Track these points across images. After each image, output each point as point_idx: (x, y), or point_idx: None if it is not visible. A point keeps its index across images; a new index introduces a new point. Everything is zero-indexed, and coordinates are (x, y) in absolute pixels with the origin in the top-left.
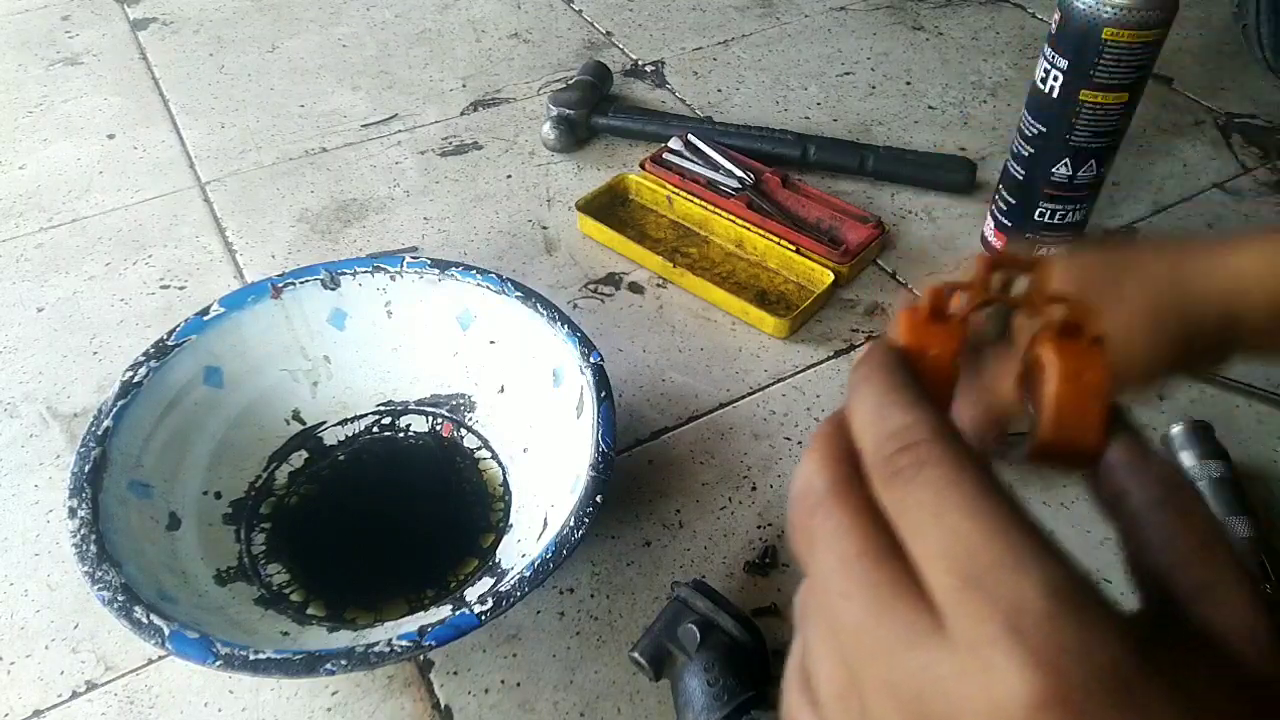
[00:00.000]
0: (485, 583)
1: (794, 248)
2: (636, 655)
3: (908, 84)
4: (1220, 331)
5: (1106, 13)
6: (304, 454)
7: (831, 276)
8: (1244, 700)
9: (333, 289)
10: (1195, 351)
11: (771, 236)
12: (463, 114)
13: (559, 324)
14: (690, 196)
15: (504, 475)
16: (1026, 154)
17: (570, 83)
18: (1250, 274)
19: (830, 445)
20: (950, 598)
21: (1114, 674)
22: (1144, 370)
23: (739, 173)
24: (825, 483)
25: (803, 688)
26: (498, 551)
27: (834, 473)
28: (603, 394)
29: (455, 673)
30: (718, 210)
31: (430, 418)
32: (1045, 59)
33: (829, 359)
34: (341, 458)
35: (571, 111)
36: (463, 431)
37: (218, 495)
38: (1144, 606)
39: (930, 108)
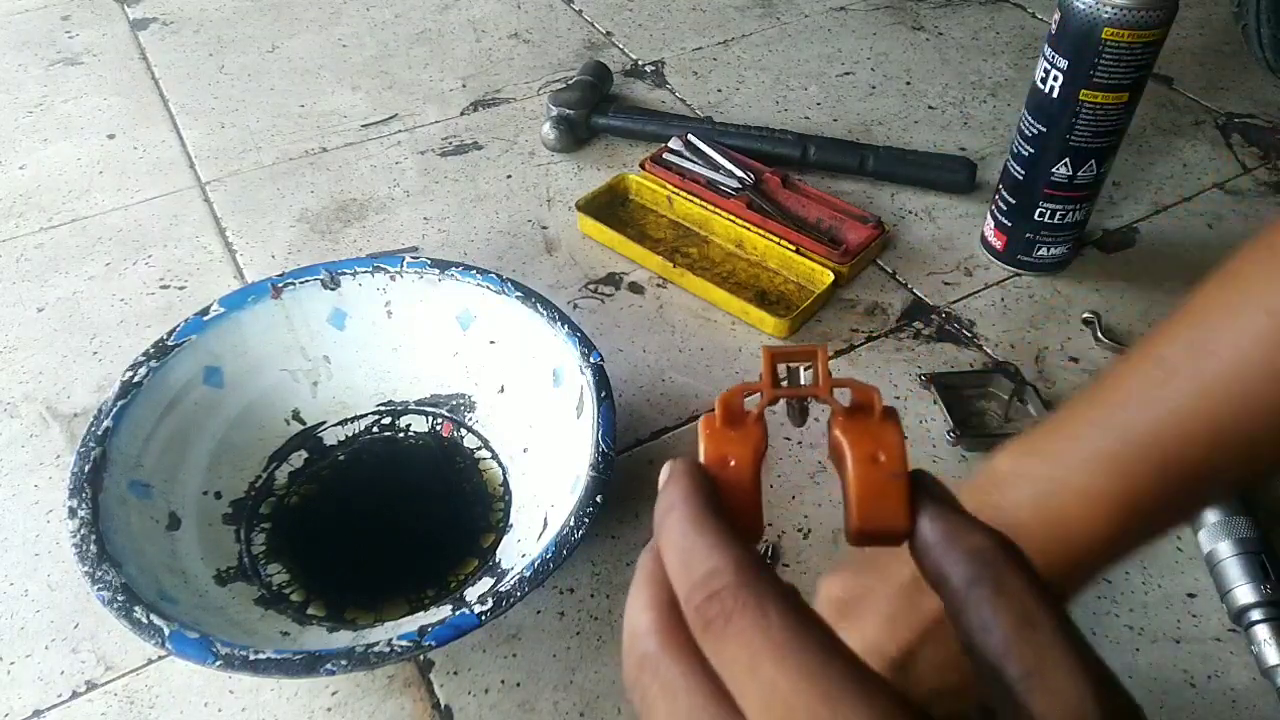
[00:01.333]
0: (485, 583)
1: (794, 248)
2: None
3: (908, 84)
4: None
5: (1106, 13)
6: (304, 454)
7: (831, 276)
8: None
9: (333, 289)
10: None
11: (771, 236)
12: (463, 114)
13: (559, 324)
14: (690, 196)
15: (504, 475)
16: (1026, 154)
17: (570, 83)
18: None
19: (652, 588)
20: None
21: None
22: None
23: (739, 173)
24: (653, 636)
25: None
26: (498, 551)
27: (659, 622)
28: (603, 394)
29: (455, 673)
30: (718, 210)
31: (430, 418)
32: (1045, 59)
33: (829, 359)
34: (341, 458)
35: (571, 111)
36: (463, 431)
37: (218, 495)
38: (985, 697)
39: (930, 108)
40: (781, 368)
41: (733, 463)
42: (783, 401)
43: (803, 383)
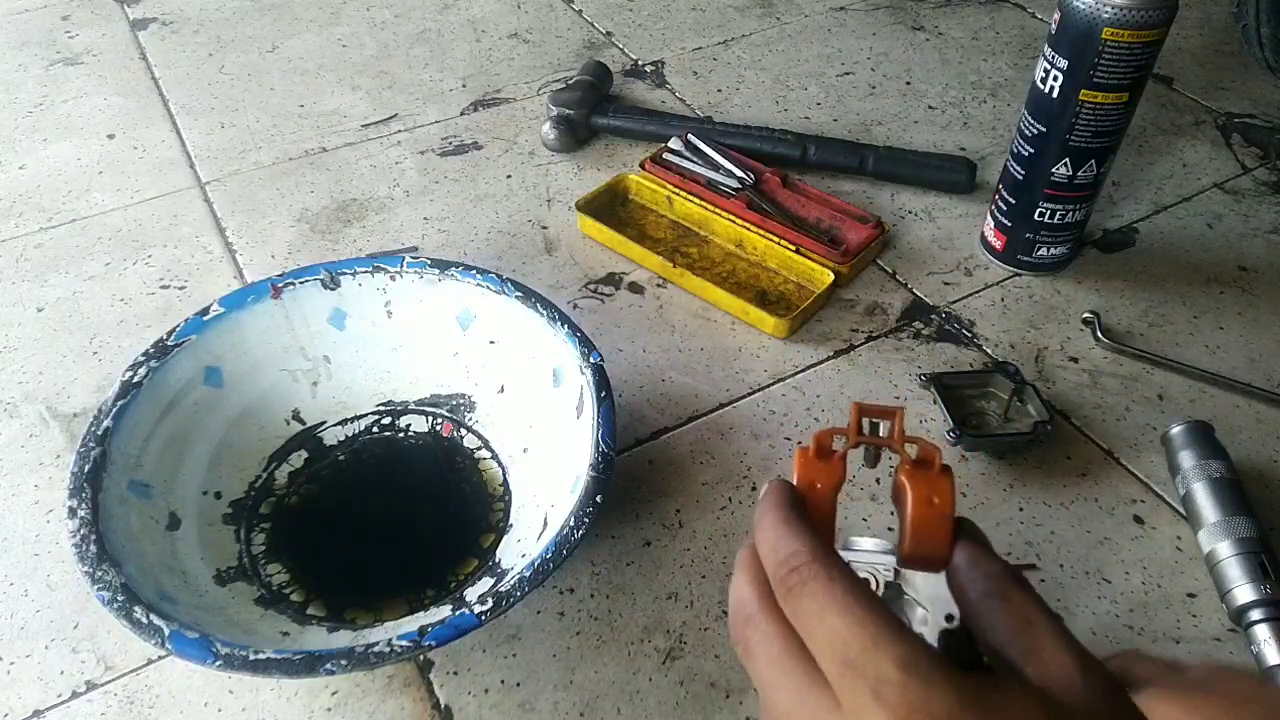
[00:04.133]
0: (485, 583)
1: (794, 248)
2: None
3: (908, 84)
4: None
5: (1106, 13)
6: (304, 454)
7: (831, 276)
8: None
9: (333, 289)
10: None
11: (771, 236)
12: (463, 114)
13: (559, 324)
14: (690, 196)
15: (504, 475)
16: (1026, 154)
17: (570, 83)
18: None
19: (752, 570)
20: (836, 679)
21: (948, 717)
22: None
23: (739, 173)
24: (754, 602)
25: None
26: (498, 551)
27: (758, 592)
28: (603, 394)
29: (455, 673)
30: (718, 210)
31: (430, 418)
32: (1045, 59)
33: (829, 359)
34: (341, 458)
35: (571, 111)
36: (463, 431)
37: (218, 495)
38: (993, 670)
39: (930, 108)
40: (865, 421)
41: (818, 486)
42: (862, 446)
43: (881, 434)
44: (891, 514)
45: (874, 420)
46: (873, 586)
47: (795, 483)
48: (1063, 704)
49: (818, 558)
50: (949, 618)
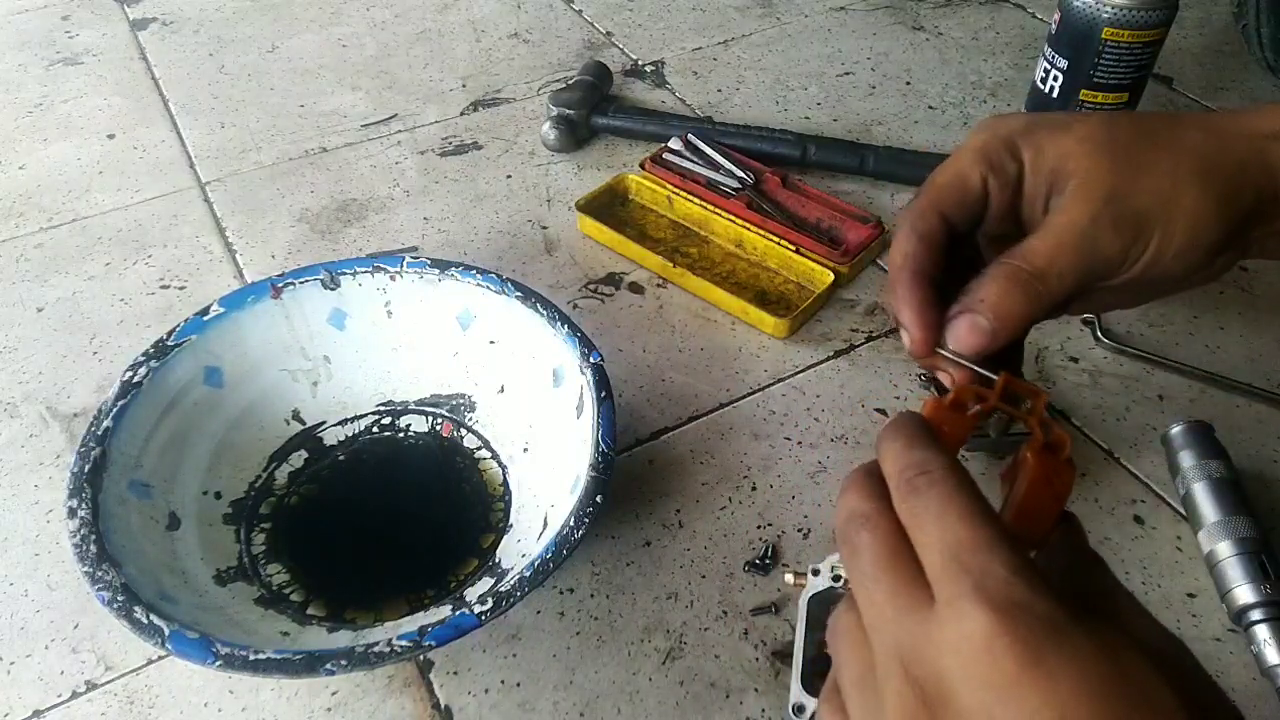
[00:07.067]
0: (485, 583)
1: (794, 248)
2: None
3: (908, 84)
4: (1261, 190)
5: (1106, 13)
6: (304, 454)
7: (831, 276)
8: (1135, 649)
9: (333, 289)
10: (1239, 216)
11: (771, 236)
12: (463, 114)
13: (559, 324)
14: (690, 196)
15: (504, 475)
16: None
17: (570, 83)
18: None
19: (865, 481)
20: (938, 573)
21: (1050, 620)
22: (1195, 241)
23: (739, 173)
24: (868, 505)
25: (831, 696)
26: (498, 551)
27: (872, 498)
28: (603, 394)
29: (455, 673)
30: (718, 210)
31: (430, 418)
32: (1045, 59)
33: (829, 359)
34: (341, 458)
35: (571, 111)
36: (463, 431)
37: (218, 495)
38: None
39: (930, 108)
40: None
41: (945, 430)
42: (995, 414)
43: (1024, 408)
44: None
45: (1018, 395)
46: None
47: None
48: (1149, 639)
49: (950, 467)
50: None
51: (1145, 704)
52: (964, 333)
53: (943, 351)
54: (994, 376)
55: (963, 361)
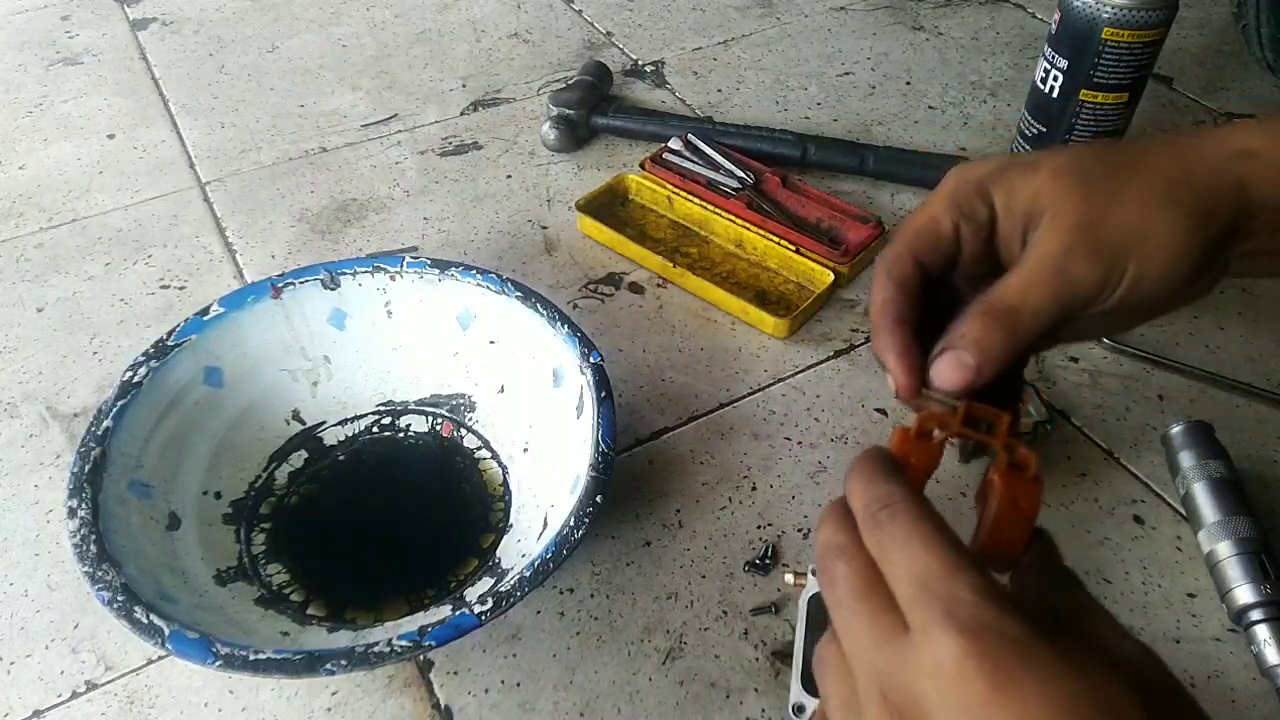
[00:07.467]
0: (485, 583)
1: (794, 248)
2: None
3: (908, 84)
4: (1234, 208)
5: (1106, 13)
6: (304, 454)
7: (831, 276)
8: (1105, 665)
9: (333, 289)
10: (1214, 237)
11: (771, 236)
12: (463, 114)
13: (559, 324)
14: (690, 196)
15: (504, 475)
16: (1027, 154)
17: (570, 83)
18: (1255, 147)
19: (840, 514)
20: (909, 600)
21: (1019, 640)
22: (1172, 264)
23: (739, 173)
24: (842, 538)
25: None
26: (498, 551)
27: (846, 531)
28: (603, 394)
29: (455, 673)
30: (718, 210)
31: (430, 418)
32: (1045, 59)
33: (829, 359)
34: (341, 458)
35: (571, 111)
36: (463, 431)
37: (218, 495)
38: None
39: (930, 108)
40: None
41: (912, 462)
42: (959, 440)
43: (986, 432)
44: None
45: (981, 419)
46: None
47: (892, 451)
48: (1121, 653)
49: (910, 498)
50: None
51: (1114, 719)
52: (947, 370)
53: (931, 394)
54: (999, 409)
55: (947, 401)
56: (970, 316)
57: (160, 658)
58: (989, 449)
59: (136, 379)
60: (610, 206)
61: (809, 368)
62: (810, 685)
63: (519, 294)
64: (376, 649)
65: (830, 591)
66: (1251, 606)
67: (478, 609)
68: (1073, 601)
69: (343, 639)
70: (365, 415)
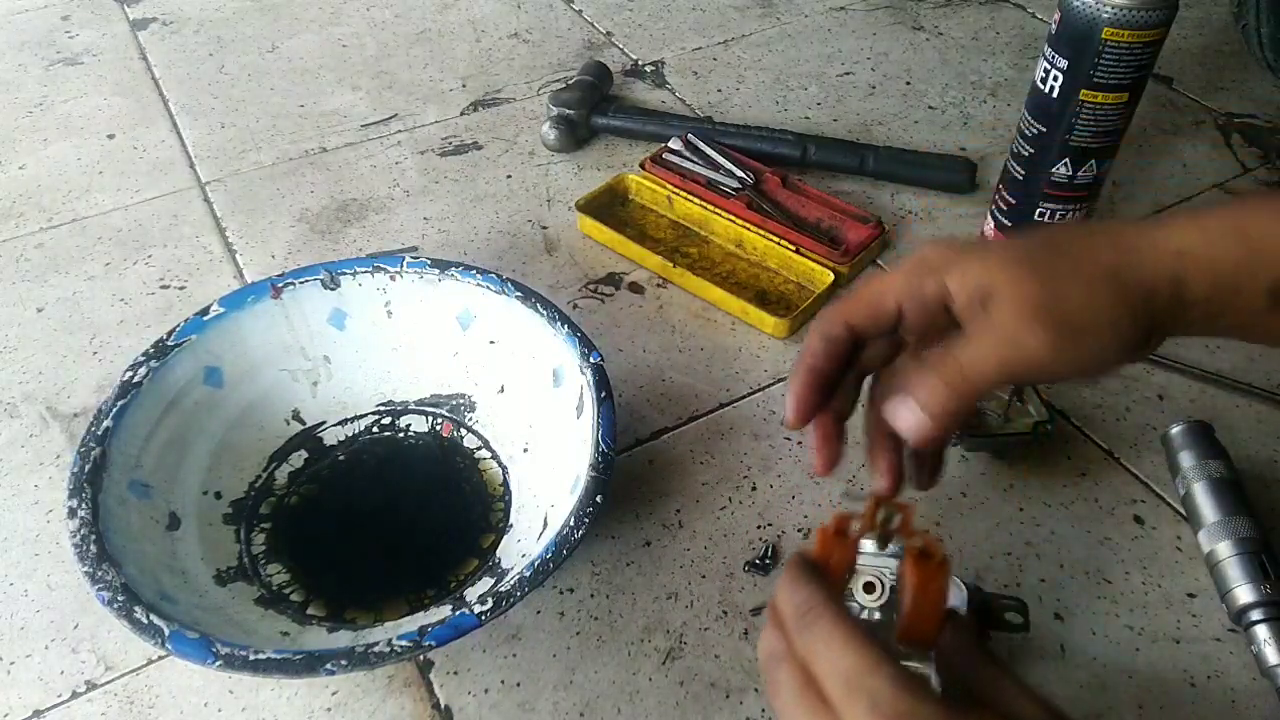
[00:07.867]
0: (485, 583)
1: (794, 248)
2: None
3: (908, 84)
4: (1171, 301)
5: (1106, 13)
6: (304, 454)
7: (831, 276)
8: None
9: (333, 289)
10: (1150, 325)
11: (771, 236)
12: (463, 114)
13: (559, 324)
14: (690, 196)
15: (504, 475)
16: (1026, 154)
17: (570, 83)
18: (1190, 246)
19: (774, 621)
20: (839, 698)
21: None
22: (1115, 342)
23: (739, 173)
24: (780, 645)
25: None
26: (498, 551)
27: (780, 640)
28: (603, 394)
29: (455, 673)
30: (718, 210)
31: (430, 418)
32: (1045, 59)
33: None
34: (341, 458)
35: (571, 111)
36: (463, 431)
37: (218, 495)
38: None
39: (930, 108)
40: (880, 511)
41: (832, 561)
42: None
43: (892, 525)
44: None
45: (889, 511)
46: (877, 590)
47: (815, 554)
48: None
49: (826, 602)
50: None
51: None
52: (905, 418)
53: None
54: (903, 504)
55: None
56: (922, 380)
57: (160, 658)
58: (898, 539)
59: (136, 379)
60: (610, 206)
61: None
62: None
63: (519, 294)
64: (376, 649)
65: (773, 693)
66: (1251, 606)
67: (478, 609)
68: (982, 674)
69: (343, 639)
70: (365, 415)
